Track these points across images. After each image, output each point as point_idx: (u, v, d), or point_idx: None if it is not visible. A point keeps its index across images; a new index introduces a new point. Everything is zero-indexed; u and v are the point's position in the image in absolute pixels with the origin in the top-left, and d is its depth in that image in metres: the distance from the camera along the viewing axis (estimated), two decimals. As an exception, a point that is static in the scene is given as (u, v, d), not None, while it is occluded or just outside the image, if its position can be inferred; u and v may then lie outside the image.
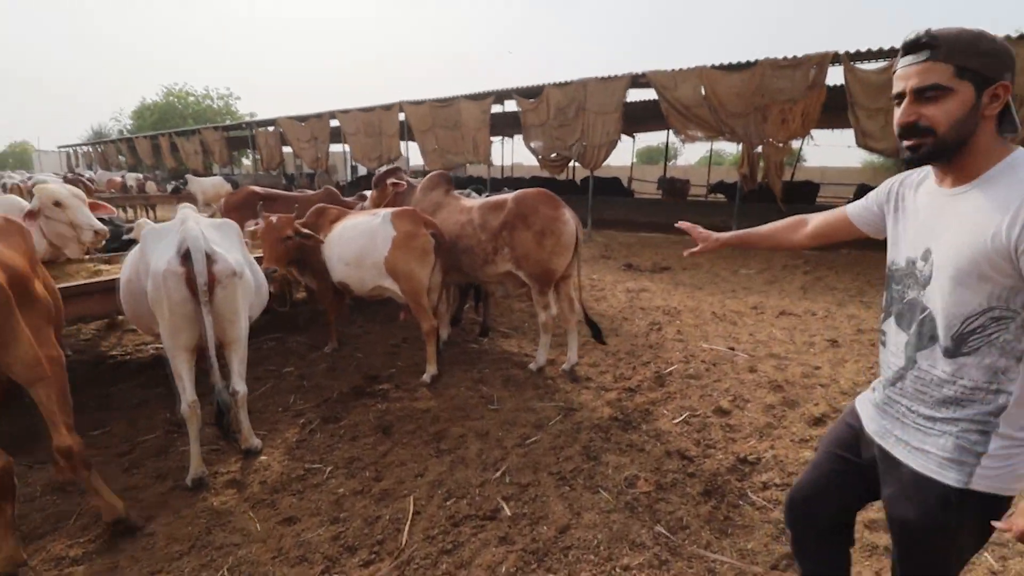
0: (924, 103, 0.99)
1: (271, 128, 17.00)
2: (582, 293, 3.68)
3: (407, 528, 2.03)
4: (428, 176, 4.03)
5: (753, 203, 10.03)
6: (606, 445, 2.61)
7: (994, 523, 0.99)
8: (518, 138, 15.87)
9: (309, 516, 2.11)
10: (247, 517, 2.11)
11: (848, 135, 7.79)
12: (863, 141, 7.56)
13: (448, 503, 2.18)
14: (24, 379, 1.73)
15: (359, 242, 3.32)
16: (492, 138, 12.30)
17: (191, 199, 11.68)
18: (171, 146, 21.14)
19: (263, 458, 2.51)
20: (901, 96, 1.03)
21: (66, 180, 9.77)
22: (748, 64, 7.99)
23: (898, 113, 1.04)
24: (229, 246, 2.31)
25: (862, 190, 11.57)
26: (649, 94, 9.68)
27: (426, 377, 3.30)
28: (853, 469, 1.26)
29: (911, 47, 1.00)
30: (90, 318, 3.39)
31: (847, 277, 6.56)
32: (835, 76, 7.73)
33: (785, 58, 7.69)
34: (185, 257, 2.07)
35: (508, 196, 3.43)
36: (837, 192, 16.09)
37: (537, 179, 14.76)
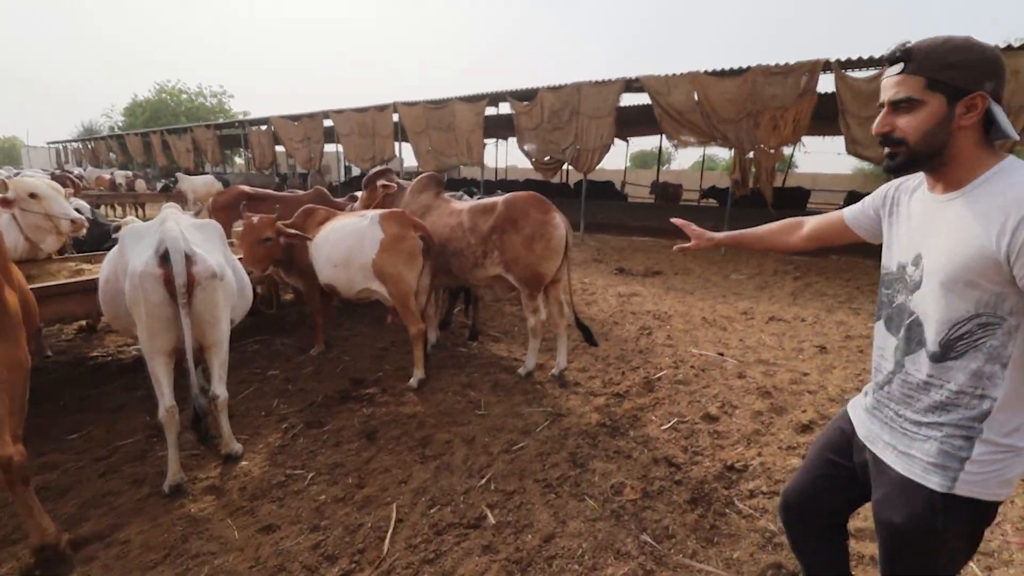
0: (898, 114, 1.03)
1: (264, 127, 16.87)
2: (573, 297, 3.67)
3: (389, 536, 1.99)
4: (418, 178, 3.99)
5: (745, 208, 10.08)
6: (593, 452, 2.59)
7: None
8: (512, 140, 15.85)
9: (289, 524, 2.07)
10: (225, 525, 2.06)
11: (839, 142, 7.85)
12: (853, 148, 7.62)
13: (432, 511, 2.14)
14: None
15: (347, 244, 3.28)
16: (486, 140, 12.30)
17: (181, 198, 11.59)
18: (162, 144, 20.95)
19: (244, 464, 2.46)
20: (883, 106, 1.07)
21: (54, 177, 9.63)
22: (740, 70, 8.04)
23: (874, 123, 1.08)
24: (211, 247, 2.26)
25: (852, 197, 11.67)
26: (643, 98, 9.70)
27: (413, 381, 3.26)
28: (845, 474, 1.27)
29: (889, 60, 1.03)
30: (70, 318, 3.32)
31: (837, 283, 6.60)
32: (827, 84, 7.81)
33: (777, 65, 7.75)
34: (164, 258, 2.01)
35: (498, 199, 3.41)
36: (828, 198, 16.25)
37: (531, 182, 14.74)
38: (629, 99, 10.08)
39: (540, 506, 2.17)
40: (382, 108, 12.91)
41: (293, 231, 3.41)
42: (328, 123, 14.56)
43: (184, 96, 35.64)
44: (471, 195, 4.86)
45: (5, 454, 1.66)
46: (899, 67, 1.01)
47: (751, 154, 8.38)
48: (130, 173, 15.44)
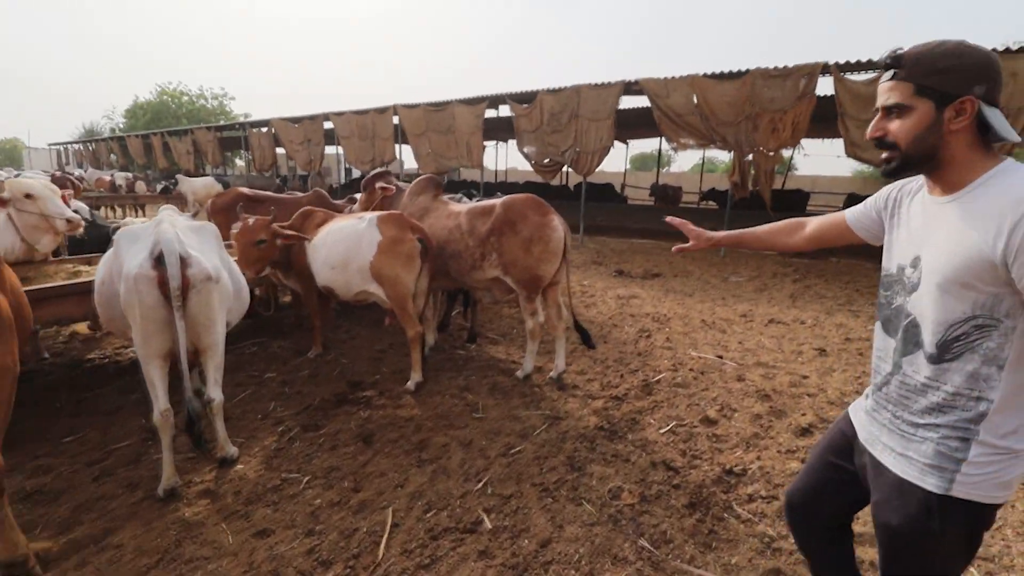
0: (890, 119, 1.05)
1: (264, 129, 16.89)
2: (572, 299, 3.65)
3: (384, 541, 1.97)
4: (416, 180, 3.98)
5: (744, 210, 10.08)
6: (591, 455, 2.57)
7: None
8: (512, 142, 15.87)
9: (284, 528, 2.05)
10: (219, 529, 2.04)
11: (839, 145, 7.85)
12: (852, 151, 7.62)
13: (428, 515, 2.12)
14: None
15: (344, 246, 3.27)
16: (486, 142, 12.31)
17: (181, 199, 11.59)
18: (163, 146, 20.97)
19: (239, 467, 2.45)
20: (878, 111, 1.09)
21: (54, 178, 9.64)
22: (739, 73, 8.05)
23: (868, 127, 1.11)
24: (206, 249, 2.25)
25: (852, 199, 11.67)
26: (642, 101, 9.71)
27: (410, 384, 3.25)
28: (847, 477, 1.27)
29: (883, 66, 1.06)
30: (67, 320, 3.30)
31: (836, 285, 6.58)
32: (827, 86, 7.82)
33: (775, 68, 7.75)
34: (158, 260, 2.00)
35: (496, 201, 3.40)
36: (828, 201, 16.24)
37: (531, 184, 14.76)
38: (628, 101, 10.11)
39: (537, 511, 2.15)
40: (382, 110, 12.93)
41: (289, 232, 3.39)
42: (328, 125, 14.58)
43: (185, 98, 35.72)
44: (470, 197, 4.85)
45: None
46: (891, 73, 1.03)
47: (750, 156, 8.38)
48: (130, 175, 15.46)
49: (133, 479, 2.36)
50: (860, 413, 1.26)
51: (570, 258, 3.44)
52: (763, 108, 7.89)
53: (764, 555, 1.94)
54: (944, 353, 1.02)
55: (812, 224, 1.44)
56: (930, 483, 1.04)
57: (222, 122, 26.75)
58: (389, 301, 3.23)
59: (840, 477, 1.29)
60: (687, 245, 1.64)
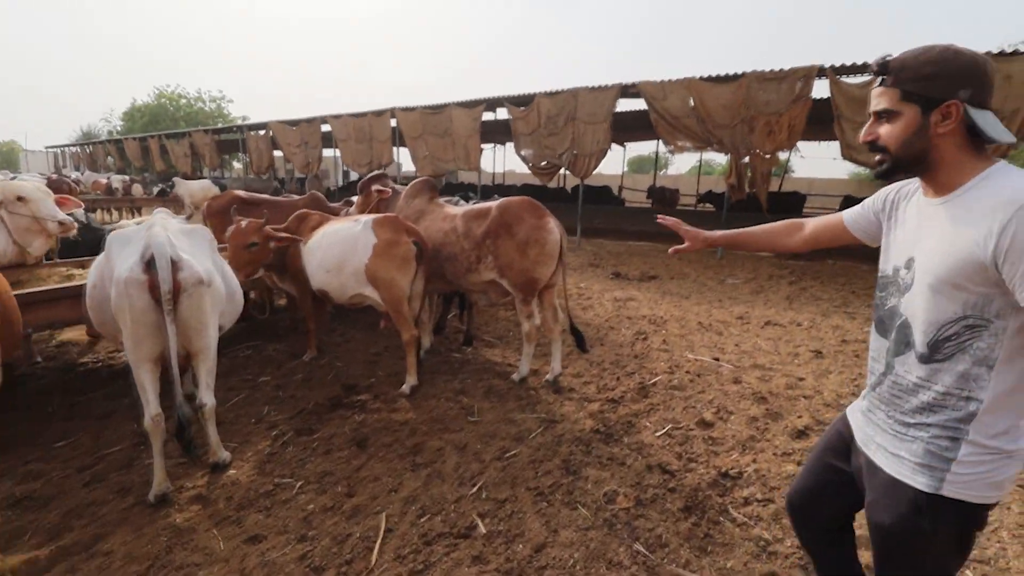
0: (880, 124, 1.09)
1: (262, 132, 16.88)
2: (569, 302, 3.64)
3: (377, 547, 1.95)
4: (412, 183, 3.98)
5: (741, 212, 10.10)
6: (586, 459, 2.56)
7: None
8: (510, 145, 15.89)
9: (276, 534, 2.03)
10: (210, 535, 2.02)
11: (835, 147, 7.88)
12: (848, 153, 7.64)
13: (422, 520, 2.11)
14: None
15: (339, 249, 3.26)
16: (484, 145, 12.31)
17: (178, 202, 11.56)
18: (160, 148, 20.93)
19: (231, 472, 2.43)
20: (871, 115, 1.12)
21: (50, 181, 9.61)
22: (735, 76, 8.08)
23: (861, 132, 1.15)
24: (198, 252, 2.23)
25: (848, 201, 11.71)
26: (639, 104, 9.73)
27: (405, 388, 3.23)
28: (844, 479, 1.28)
29: (873, 72, 1.09)
30: (60, 324, 3.28)
31: (832, 287, 6.59)
32: (824, 89, 7.85)
33: (771, 71, 7.78)
34: (149, 264, 1.98)
35: (492, 204, 3.39)
36: (824, 203, 16.30)
37: (528, 187, 14.78)
38: (625, 104, 10.13)
39: (532, 515, 2.14)
40: (379, 113, 12.93)
41: (282, 234, 3.38)
42: (326, 128, 14.58)
43: (183, 101, 35.65)
44: (467, 200, 4.85)
45: None
46: (880, 79, 1.07)
47: (746, 159, 8.40)
48: (127, 177, 15.42)
49: (125, 484, 2.34)
50: (857, 414, 1.27)
51: (566, 260, 3.43)
52: (759, 111, 7.92)
53: (760, 559, 1.93)
54: (935, 353, 1.04)
55: (810, 226, 1.46)
56: (921, 482, 1.06)
57: (220, 125, 26.73)
58: (384, 304, 3.21)
59: (839, 479, 1.30)
60: (683, 246, 1.63)
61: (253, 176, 18.23)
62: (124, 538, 2.00)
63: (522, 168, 13.04)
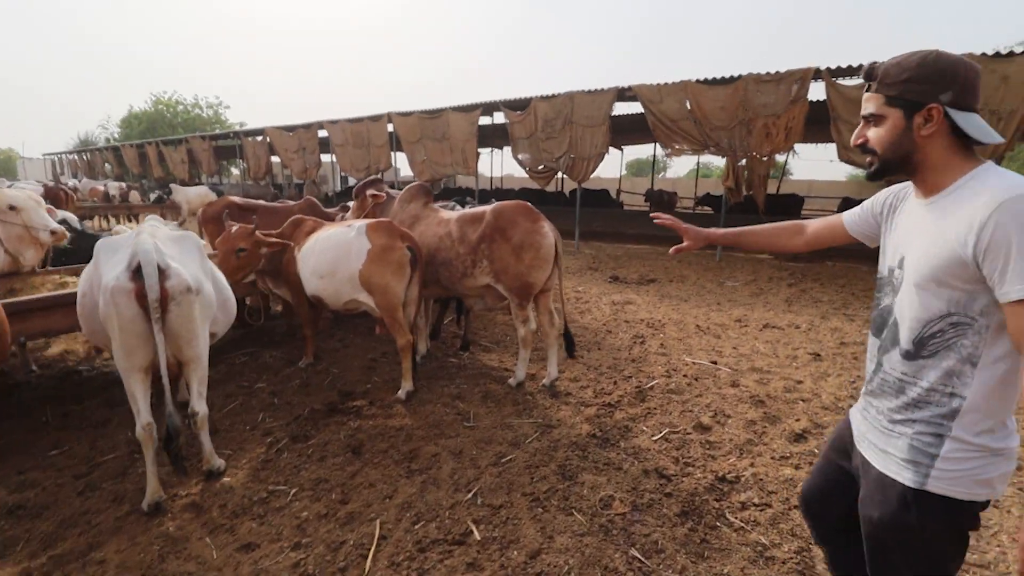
0: (868, 127, 1.13)
1: (259, 138, 16.91)
2: (566, 306, 3.64)
3: (372, 554, 1.94)
4: (407, 188, 3.98)
5: (739, 215, 10.11)
6: (583, 464, 2.54)
7: None
8: (507, 149, 15.91)
9: (269, 542, 2.02)
10: (204, 544, 2.01)
11: (833, 149, 7.90)
12: (844, 155, 7.66)
13: (416, 527, 2.09)
14: None
15: (333, 254, 3.25)
16: (481, 149, 12.32)
17: (176, 209, 11.57)
18: (158, 155, 20.96)
19: (226, 479, 2.41)
20: (863, 119, 1.16)
21: (47, 188, 9.62)
22: (732, 79, 8.10)
23: (852, 135, 1.19)
24: (187, 260, 2.21)
25: (846, 203, 11.72)
26: (636, 107, 9.76)
27: (401, 393, 3.22)
28: (849, 478, 1.31)
29: (862, 78, 1.15)
30: (54, 333, 3.27)
31: (832, 289, 6.59)
32: (820, 91, 7.87)
33: (768, 73, 7.81)
34: (136, 272, 1.97)
35: (486, 208, 3.39)
36: (823, 205, 16.33)
37: (526, 191, 14.79)
38: (623, 108, 10.16)
39: (527, 521, 2.12)
40: (376, 118, 12.95)
41: (273, 239, 3.37)
42: (323, 134, 14.60)
43: (180, 107, 35.74)
44: (463, 205, 4.85)
45: None
46: (868, 85, 1.12)
47: (744, 161, 8.42)
48: (123, 184, 15.42)
49: (119, 493, 2.33)
50: (856, 414, 1.30)
51: (562, 264, 3.43)
52: (756, 113, 7.94)
53: (757, 564, 1.92)
54: (920, 350, 1.06)
55: (812, 227, 1.49)
56: (907, 478, 1.08)
57: (217, 131, 26.77)
58: (379, 310, 3.20)
59: (844, 478, 1.32)
60: (684, 245, 1.62)
61: (251, 182, 18.26)
62: (118, 547, 1.98)
63: (519, 172, 13.06)
